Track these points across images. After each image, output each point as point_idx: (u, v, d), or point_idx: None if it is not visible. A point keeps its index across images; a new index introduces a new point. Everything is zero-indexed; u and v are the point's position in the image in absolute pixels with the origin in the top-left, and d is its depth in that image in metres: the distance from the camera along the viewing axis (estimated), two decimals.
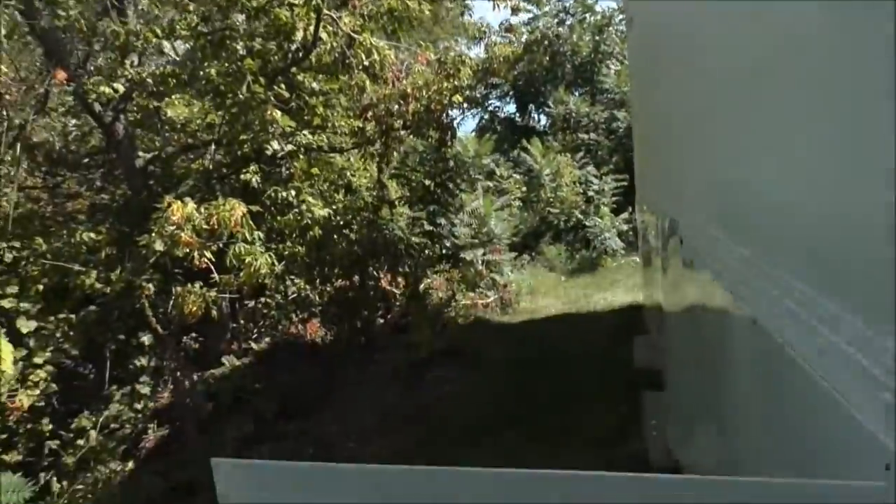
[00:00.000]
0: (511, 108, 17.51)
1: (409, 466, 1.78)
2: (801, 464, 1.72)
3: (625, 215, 13.32)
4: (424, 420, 6.89)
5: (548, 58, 16.05)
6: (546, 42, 16.07)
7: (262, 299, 8.24)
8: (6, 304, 6.13)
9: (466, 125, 18.35)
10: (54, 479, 5.87)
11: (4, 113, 6.81)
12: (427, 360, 8.40)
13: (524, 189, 14.01)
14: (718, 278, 2.73)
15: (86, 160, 8.16)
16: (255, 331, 8.32)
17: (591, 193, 13.80)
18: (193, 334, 7.87)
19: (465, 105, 10.54)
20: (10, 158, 6.41)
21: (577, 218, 13.40)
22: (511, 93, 17.18)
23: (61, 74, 6.16)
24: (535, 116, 17.10)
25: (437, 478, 1.69)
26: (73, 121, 8.22)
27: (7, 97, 6.57)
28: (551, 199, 13.70)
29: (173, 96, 7.96)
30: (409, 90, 7.84)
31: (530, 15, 16.43)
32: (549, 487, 1.43)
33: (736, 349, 2.48)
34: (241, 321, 8.20)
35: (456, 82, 8.13)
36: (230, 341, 8.07)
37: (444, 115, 8.18)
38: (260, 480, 2.02)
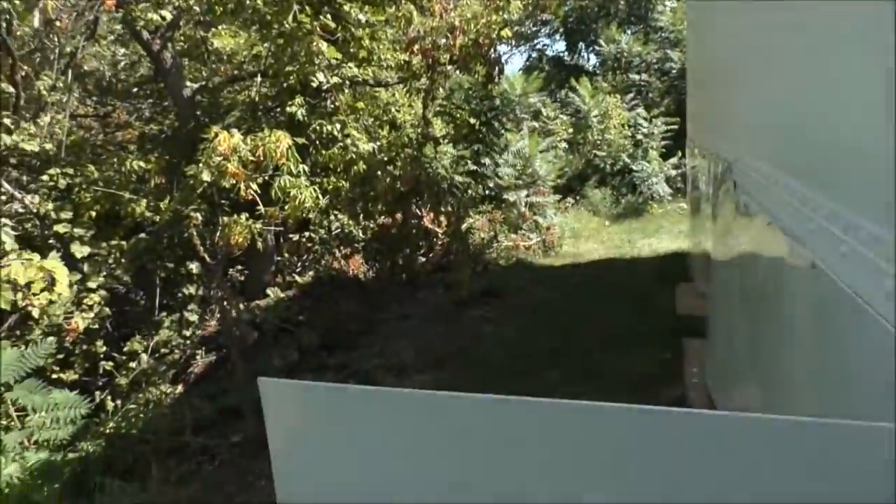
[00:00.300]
0: (560, 46, 17.02)
1: (454, 393, 1.78)
2: (862, 412, 1.67)
3: (674, 160, 12.97)
4: (464, 358, 6.96)
5: None
6: None
7: (307, 233, 8.31)
8: (61, 229, 6.30)
9: (513, 63, 17.94)
10: (108, 398, 6.12)
11: (56, 40, 6.87)
12: (467, 300, 8.43)
13: (570, 130, 13.72)
14: (775, 221, 2.63)
15: (135, 89, 8.22)
16: (299, 264, 8.44)
17: (639, 137, 13.45)
18: (239, 266, 8.03)
19: (514, 41, 10.26)
20: (62, 85, 6.49)
21: (624, 161, 13.12)
22: (560, 30, 16.64)
23: (109, 1, 6.15)
24: (585, 55, 16.61)
25: (481, 405, 1.69)
26: (122, 49, 8.25)
27: (58, 24, 6.61)
28: (598, 142, 13.42)
29: (220, 27, 7.92)
30: (456, 23, 7.64)
31: None
32: (585, 418, 1.42)
33: (792, 295, 2.40)
34: (286, 254, 8.31)
35: (505, 15, 7.89)
36: (274, 274, 8.21)
37: (493, 49, 7.97)
38: (305, 401, 2.05)
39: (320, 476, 2.01)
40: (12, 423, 5.12)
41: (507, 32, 7.95)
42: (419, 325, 7.81)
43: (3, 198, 5.80)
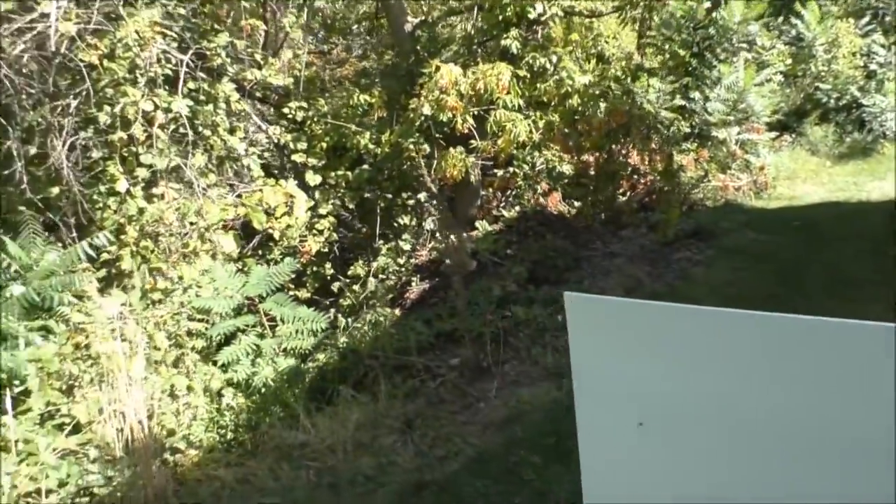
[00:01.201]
0: None
1: (744, 311, 1.73)
2: None
3: None
4: (674, 298, 6.73)
5: None
6: None
7: (510, 168, 8.35)
8: (298, 158, 6.84)
9: None
10: (339, 315, 6.67)
11: None
12: (674, 241, 8.13)
13: (789, 62, 12.44)
14: None
15: (354, 26, 8.58)
16: (503, 199, 8.54)
17: (873, 67, 11.92)
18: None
19: None
20: (297, 20, 6.90)
21: (852, 95, 11.74)
22: None
23: None
24: None
25: (779, 323, 1.63)
26: None
27: None
28: (822, 73, 12.09)
29: None
30: None
31: None
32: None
33: None
34: (491, 188, 8.44)
35: None
36: (480, 207, 8.38)
37: None
38: (609, 314, 2.08)
39: (622, 388, 2.04)
40: (265, 332, 5.75)
41: None
42: (625, 263, 7.66)
43: (252, 129, 6.37)
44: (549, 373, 5.78)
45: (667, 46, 9.76)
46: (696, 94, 10.00)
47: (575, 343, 2.06)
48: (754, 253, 7.82)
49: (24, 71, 5.05)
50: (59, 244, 5.41)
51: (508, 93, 6.23)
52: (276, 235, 6.57)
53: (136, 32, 4.99)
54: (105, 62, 5.07)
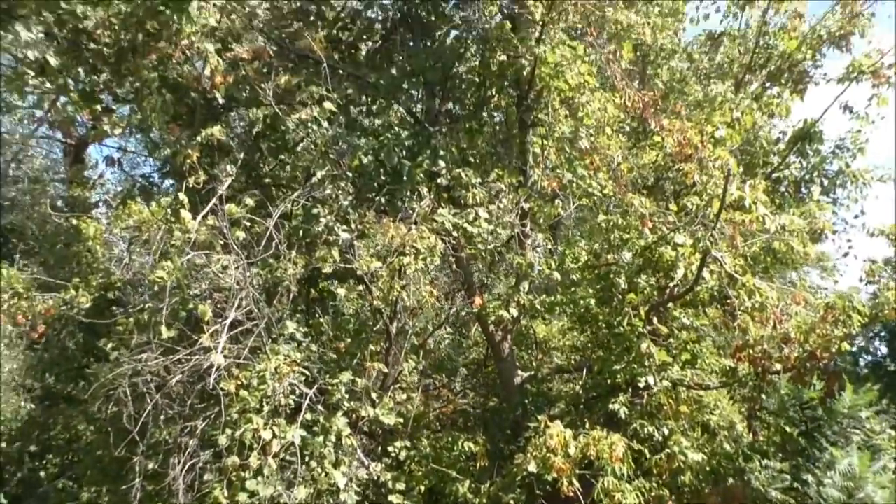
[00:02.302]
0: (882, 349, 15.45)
1: None
2: None
3: None
4: None
5: None
6: None
7: None
8: (394, 499, 6.64)
9: None
10: None
11: (411, 323, 7.86)
12: None
13: None
14: None
15: (462, 369, 8.94)
16: None
17: None
18: None
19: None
20: (416, 365, 7.26)
21: None
22: (882, 333, 15.20)
23: (478, 301, 6.98)
24: None
25: None
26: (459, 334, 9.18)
27: (420, 311, 7.60)
28: None
29: (547, 319, 8.53)
30: (792, 334, 7.34)
31: None
32: None
33: None
34: None
35: (845, 329, 7.45)
36: None
37: (832, 363, 7.44)
38: None
39: None
40: None
41: (846, 346, 7.43)
42: None
43: (356, 463, 6.35)
44: None
45: (772, 420, 9.56)
46: (808, 477, 9.46)
47: None
48: None
49: (170, 393, 5.42)
50: None
51: (623, 463, 6.08)
52: None
53: (275, 368, 5.37)
54: (241, 391, 5.39)
